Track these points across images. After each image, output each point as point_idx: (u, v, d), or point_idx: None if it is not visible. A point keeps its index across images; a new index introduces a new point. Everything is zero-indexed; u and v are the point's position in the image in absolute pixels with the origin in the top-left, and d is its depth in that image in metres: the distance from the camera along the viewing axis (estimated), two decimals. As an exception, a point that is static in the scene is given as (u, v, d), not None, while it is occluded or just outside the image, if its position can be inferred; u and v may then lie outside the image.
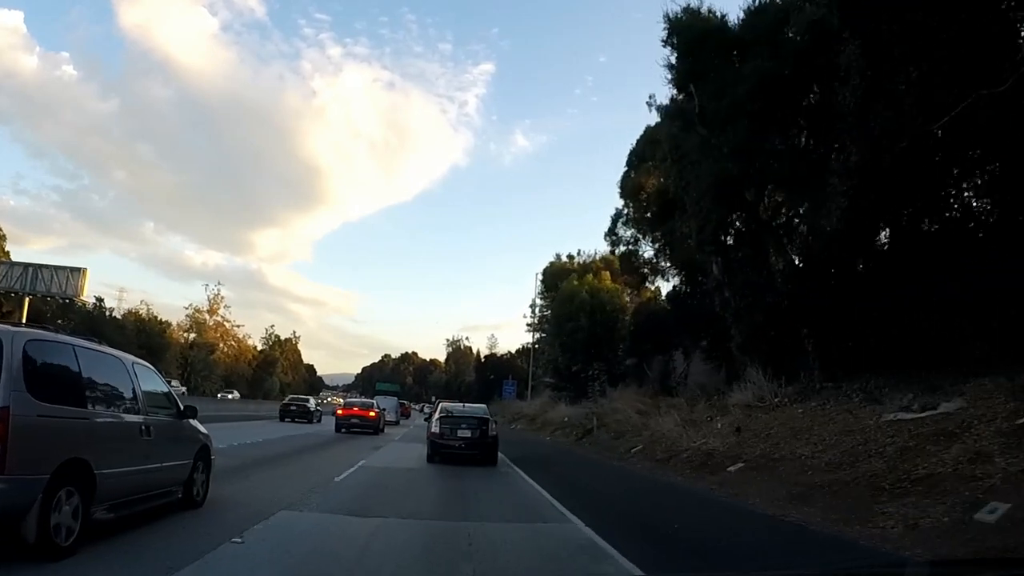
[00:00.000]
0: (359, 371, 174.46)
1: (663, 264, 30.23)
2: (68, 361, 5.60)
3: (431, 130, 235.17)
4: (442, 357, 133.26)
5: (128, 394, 6.56)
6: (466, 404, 18.58)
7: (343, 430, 26.88)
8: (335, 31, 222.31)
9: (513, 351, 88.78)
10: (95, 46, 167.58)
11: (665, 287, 35.72)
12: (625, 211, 32.42)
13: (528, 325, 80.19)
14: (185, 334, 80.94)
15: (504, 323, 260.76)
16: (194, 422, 8.13)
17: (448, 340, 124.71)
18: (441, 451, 15.25)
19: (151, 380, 7.30)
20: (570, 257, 63.13)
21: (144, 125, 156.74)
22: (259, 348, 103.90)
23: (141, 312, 69.79)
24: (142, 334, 62.36)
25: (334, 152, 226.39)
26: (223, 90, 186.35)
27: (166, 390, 7.73)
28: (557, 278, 61.18)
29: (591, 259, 55.58)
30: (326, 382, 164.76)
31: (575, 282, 42.28)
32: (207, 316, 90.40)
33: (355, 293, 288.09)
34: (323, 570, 5.74)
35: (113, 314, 59.33)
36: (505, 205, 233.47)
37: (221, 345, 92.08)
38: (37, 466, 4.82)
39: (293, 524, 7.34)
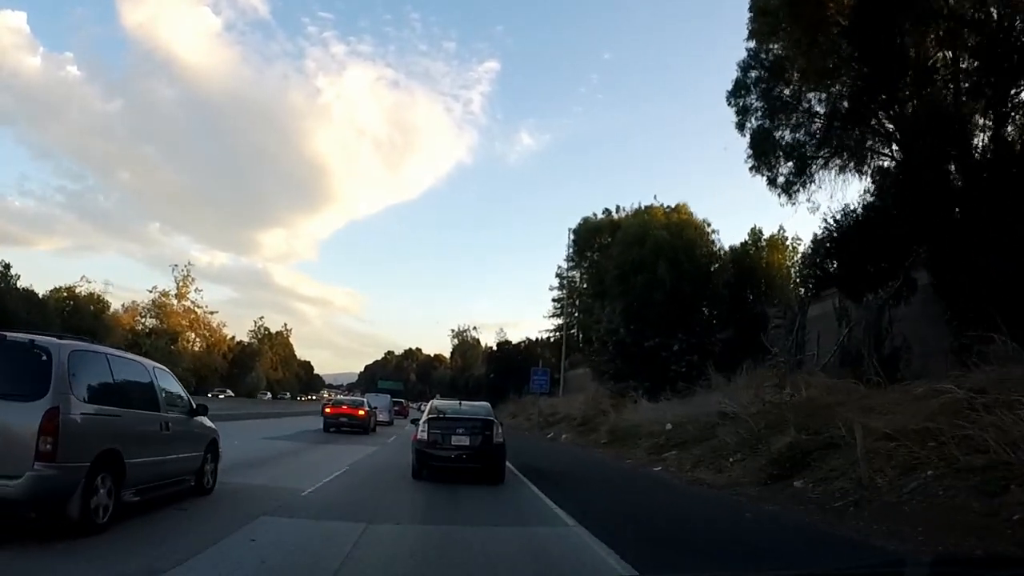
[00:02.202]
0: (362, 369, 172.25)
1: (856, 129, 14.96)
2: (102, 367, 6.76)
3: (436, 128, 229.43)
4: (448, 353, 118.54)
5: (150, 394, 7.64)
6: (463, 402, 14.36)
7: (332, 429, 25.93)
8: (339, 29, 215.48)
9: (532, 338, 72.60)
10: (98, 46, 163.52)
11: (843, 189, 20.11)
12: (763, 55, 16.97)
13: (554, 302, 65.15)
14: (141, 319, 65.92)
15: (512, 322, 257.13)
16: (204, 419, 9.04)
17: (454, 331, 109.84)
18: (431, 463, 12.01)
19: (168, 382, 8.30)
20: (607, 212, 48.13)
21: (148, 125, 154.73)
22: (240, 340, 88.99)
23: (78, 290, 55.27)
24: (73, 314, 48.00)
25: (339, 151, 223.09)
26: (227, 89, 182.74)
27: (180, 390, 8.64)
28: (594, 236, 46.28)
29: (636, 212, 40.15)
30: (332, 381, 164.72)
31: (645, 216, 26.92)
32: (175, 301, 75.17)
33: (361, 292, 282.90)
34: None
35: (16, 283, 44.17)
36: (511, 203, 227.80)
37: (191, 334, 77.24)
38: (80, 455, 5.86)
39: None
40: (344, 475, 11.86)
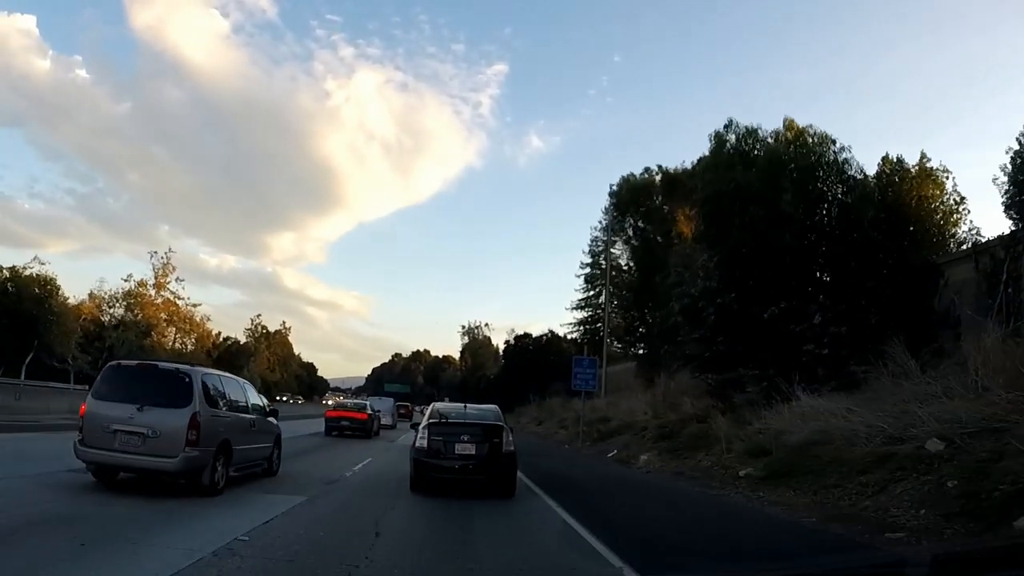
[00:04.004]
0: (369, 372, 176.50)
1: None
2: (217, 383, 10.37)
3: (445, 131, 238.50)
4: (457, 354, 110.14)
5: (243, 402, 11.29)
6: (468, 405, 13.43)
7: (334, 432, 27.36)
8: (347, 32, 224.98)
9: (556, 331, 63.23)
10: (107, 48, 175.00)
11: None
12: None
13: (586, 283, 55.48)
14: (109, 309, 57.00)
15: (522, 325, 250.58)
16: (272, 419, 12.71)
17: (464, 327, 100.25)
18: (431, 474, 11.11)
19: (251, 392, 12.20)
20: (648, 171, 38.76)
21: (157, 127, 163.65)
22: (228, 336, 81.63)
23: (26, 272, 46.58)
24: (13, 298, 39.75)
25: (348, 154, 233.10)
26: (236, 92, 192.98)
27: (258, 398, 12.51)
28: (641, 198, 36.86)
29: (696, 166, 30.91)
30: (340, 384, 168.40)
31: (739, 134, 17.34)
32: (152, 291, 65.98)
33: (369, 296, 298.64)
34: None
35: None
36: (521, 206, 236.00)
37: (171, 329, 67.90)
38: (209, 443, 9.30)
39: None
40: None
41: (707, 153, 21.33)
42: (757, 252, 17.82)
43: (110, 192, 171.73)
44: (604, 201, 49.34)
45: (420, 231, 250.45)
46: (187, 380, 9.27)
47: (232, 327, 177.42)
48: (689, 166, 37.20)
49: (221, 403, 10.07)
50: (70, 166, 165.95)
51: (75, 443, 9.06)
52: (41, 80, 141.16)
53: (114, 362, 9.92)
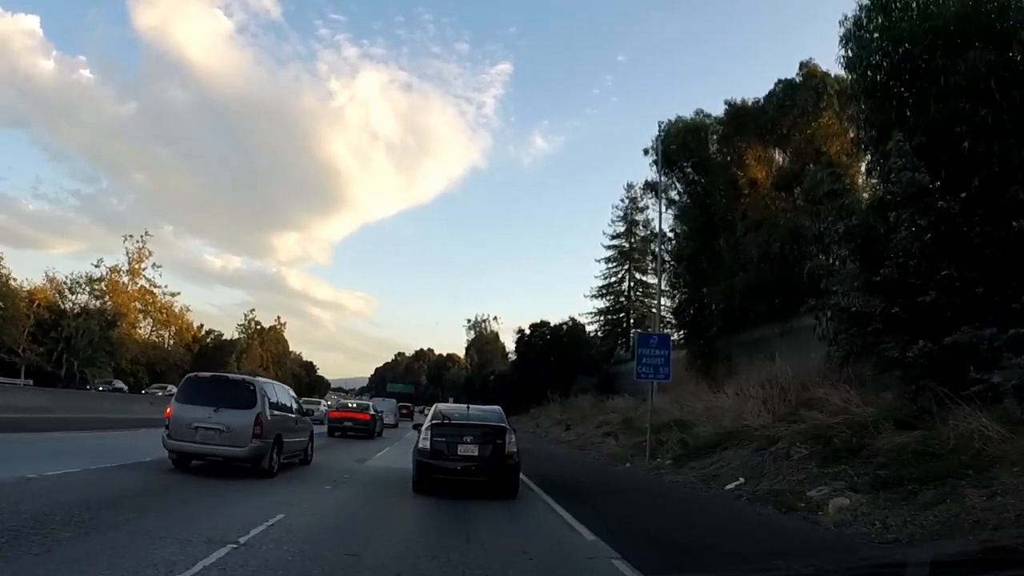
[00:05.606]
0: (372, 372, 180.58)
1: None
2: (270, 390, 13.89)
3: (449, 132, 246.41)
4: (462, 352, 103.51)
5: (289, 404, 14.93)
6: (471, 406, 13.69)
7: (337, 433, 28.15)
8: (351, 32, 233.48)
9: (577, 319, 55.90)
10: (111, 49, 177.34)
11: None
12: None
13: (608, 264, 47.39)
14: (71, 295, 50.70)
15: (527, 326, 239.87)
16: (307, 418, 16.60)
17: (470, 321, 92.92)
18: (433, 475, 11.53)
19: (291, 396, 15.87)
20: (699, 114, 31.29)
21: (161, 128, 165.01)
22: (211, 330, 75.52)
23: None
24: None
25: (352, 154, 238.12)
26: (240, 92, 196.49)
27: (296, 401, 16.04)
28: (698, 143, 29.26)
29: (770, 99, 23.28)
30: (343, 384, 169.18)
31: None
32: (126, 279, 59.53)
33: (373, 296, 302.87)
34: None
35: None
36: (525, 207, 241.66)
37: (148, 319, 61.27)
38: (269, 436, 12.77)
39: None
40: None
41: (856, 9, 13.91)
42: (985, 128, 10.14)
43: (114, 193, 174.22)
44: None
45: (424, 231, 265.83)
46: (252, 388, 12.66)
47: (235, 327, 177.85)
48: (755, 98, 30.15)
49: (274, 404, 13.45)
50: (74, 167, 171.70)
51: (163, 437, 12.25)
52: (45, 81, 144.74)
53: (192, 374, 13.63)
